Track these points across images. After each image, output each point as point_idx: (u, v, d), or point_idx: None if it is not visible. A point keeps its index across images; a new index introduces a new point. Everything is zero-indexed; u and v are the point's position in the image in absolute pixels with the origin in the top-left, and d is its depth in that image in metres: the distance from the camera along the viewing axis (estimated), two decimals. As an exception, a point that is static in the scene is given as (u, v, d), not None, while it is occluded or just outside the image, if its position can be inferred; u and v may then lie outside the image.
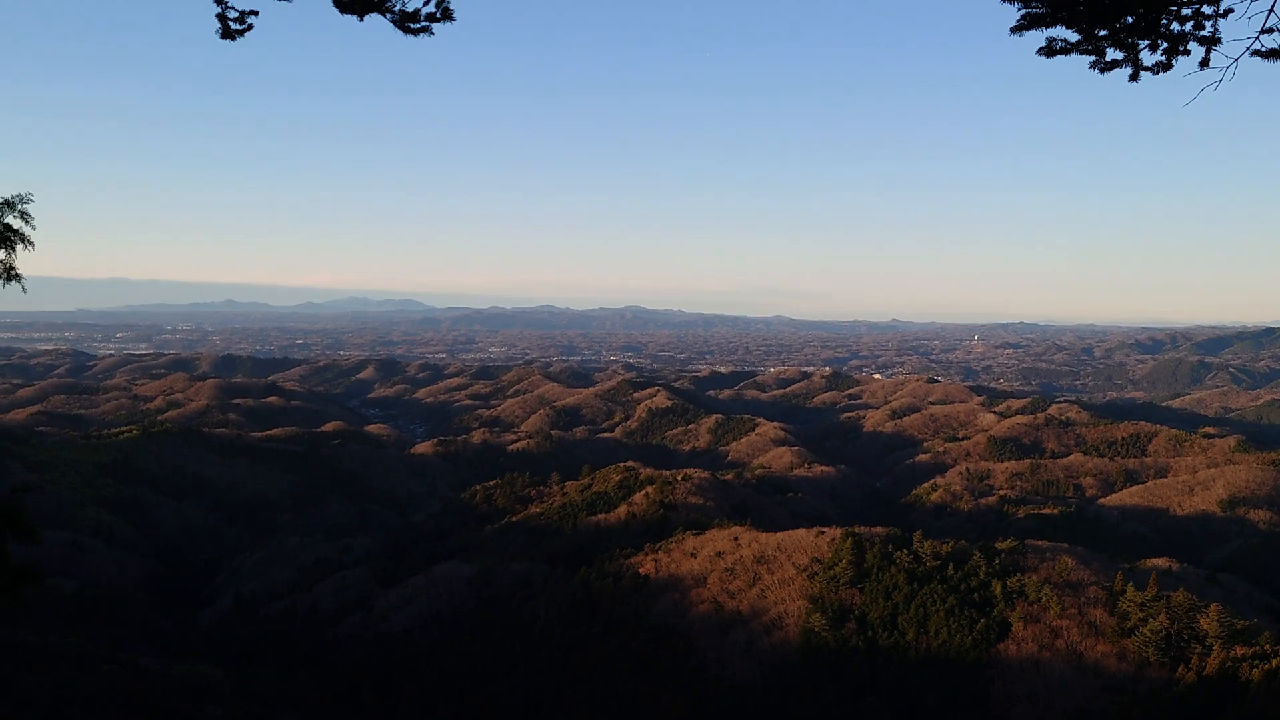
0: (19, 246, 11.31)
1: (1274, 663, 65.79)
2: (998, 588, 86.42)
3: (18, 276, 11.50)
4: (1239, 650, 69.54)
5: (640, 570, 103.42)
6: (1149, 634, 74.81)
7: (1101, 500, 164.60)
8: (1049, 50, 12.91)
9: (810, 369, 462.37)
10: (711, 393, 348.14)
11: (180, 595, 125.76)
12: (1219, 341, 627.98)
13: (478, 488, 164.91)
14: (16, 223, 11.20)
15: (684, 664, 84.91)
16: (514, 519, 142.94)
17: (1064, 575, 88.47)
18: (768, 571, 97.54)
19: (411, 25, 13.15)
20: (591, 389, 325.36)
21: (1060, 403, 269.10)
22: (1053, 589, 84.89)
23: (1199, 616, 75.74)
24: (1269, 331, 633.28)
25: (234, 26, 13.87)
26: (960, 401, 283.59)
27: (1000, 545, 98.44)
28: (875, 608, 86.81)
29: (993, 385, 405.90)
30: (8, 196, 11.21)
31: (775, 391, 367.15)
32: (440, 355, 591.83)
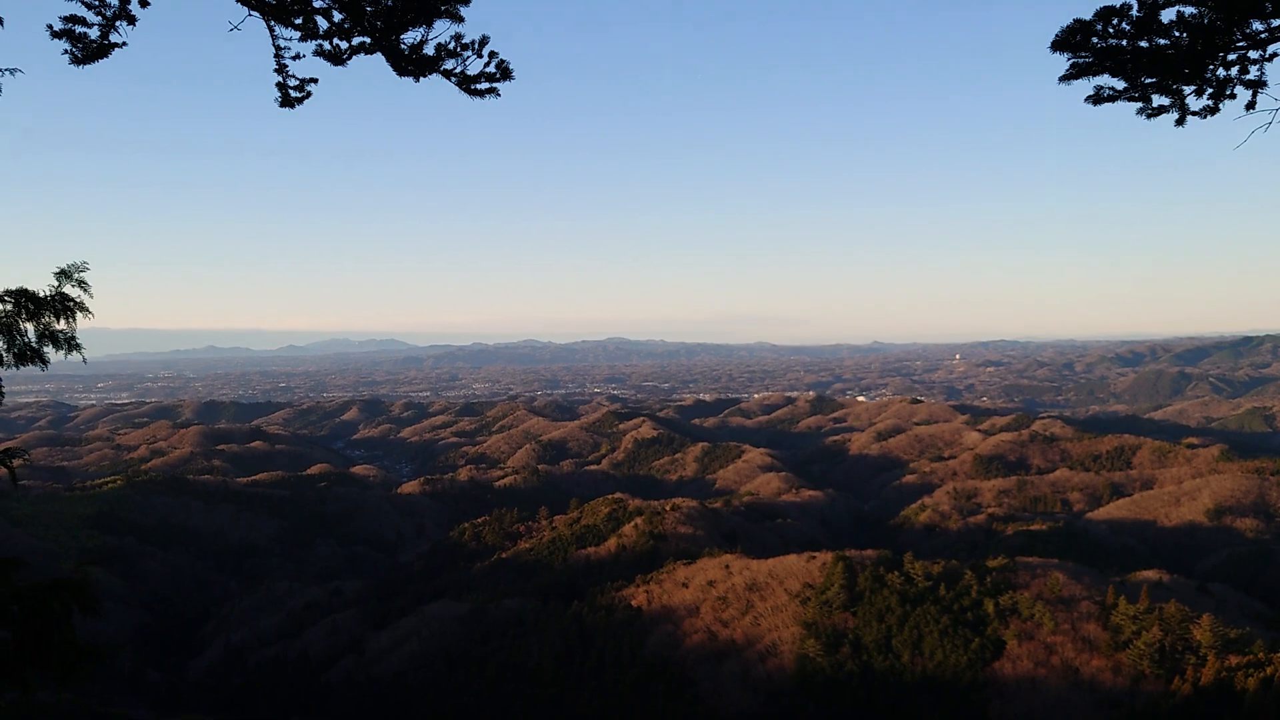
0: (79, 315, 11.00)
1: (1269, 671, 66.00)
2: (990, 606, 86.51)
3: (79, 346, 11.15)
4: (1233, 659, 69.71)
5: (633, 603, 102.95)
6: (1143, 646, 75.00)
7: (1089, 514, 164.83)
8: (1097, 98, 12.65)
9: (794, 394, 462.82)
10: (697, 421, 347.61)
11: (169, 646, 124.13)
12: (1198, 352, 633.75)
13: (466, 525, 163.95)
14: (75, 291, 10.95)
15: (680, 696, 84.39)
16: (504, 555, 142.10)
17: (1056, 591, 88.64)
18: (760, 599, 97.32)
19: (476, 87, 12.80)
20: (576, 422, 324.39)
21: (1044, 418, 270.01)
22: (1045, 605, 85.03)
23: (1192, 627, 76.04)
24: (1246, 340, 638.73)
25: (294, 95, 13.67)
26: (944, 421, 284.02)
27: (991, 563, 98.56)
28: (869, 631, 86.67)
29: (976, 404, 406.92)
30: (64, 265, 10.94)
31: (760, 418, 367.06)
32: (424, 394, 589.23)
